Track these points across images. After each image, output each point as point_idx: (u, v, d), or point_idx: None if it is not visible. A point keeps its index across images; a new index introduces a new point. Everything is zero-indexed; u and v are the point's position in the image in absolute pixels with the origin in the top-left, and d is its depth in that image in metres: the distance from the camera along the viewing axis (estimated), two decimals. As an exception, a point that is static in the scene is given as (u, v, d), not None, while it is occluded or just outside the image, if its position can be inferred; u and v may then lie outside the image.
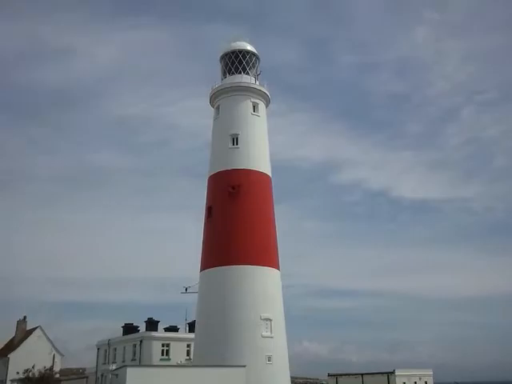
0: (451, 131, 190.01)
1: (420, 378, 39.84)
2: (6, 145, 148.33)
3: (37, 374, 42.69)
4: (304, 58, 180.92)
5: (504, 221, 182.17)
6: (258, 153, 40.49)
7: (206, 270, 37.74)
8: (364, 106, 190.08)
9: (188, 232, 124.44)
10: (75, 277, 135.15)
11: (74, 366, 67.41)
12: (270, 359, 33.88)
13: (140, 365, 38.95)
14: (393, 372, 38.36)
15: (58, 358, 58.40)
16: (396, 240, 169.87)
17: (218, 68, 44.16)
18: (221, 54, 43.65)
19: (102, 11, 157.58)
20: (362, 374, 40.07)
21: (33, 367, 42.67)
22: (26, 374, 42.31)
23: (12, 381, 44.98)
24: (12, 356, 57.45)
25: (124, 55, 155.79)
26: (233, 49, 43.06)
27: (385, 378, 38.28)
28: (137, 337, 45.06)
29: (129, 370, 30.15)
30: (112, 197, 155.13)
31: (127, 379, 28.44)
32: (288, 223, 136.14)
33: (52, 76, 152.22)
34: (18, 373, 44.34)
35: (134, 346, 44.74)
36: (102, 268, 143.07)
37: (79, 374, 60.74)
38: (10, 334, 63.12)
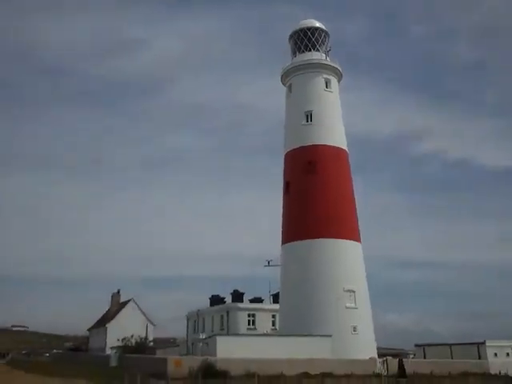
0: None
1: None
2: (90, 132, 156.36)
3: (134, 343, 46.09)
4: (372, 30, 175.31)
5: None
6: (333, 128, 41.01)
7: (288, 244, 39.16)
8: (437, 76, 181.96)
9: (267, 208, 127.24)
10: (164, 252, 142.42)
11: (163, 335, 71.80)
12: (355, 329, 35.07)
13: (229, 334, 41.02)
14: (483, 342, 37.80)
15: (150, 328, 62.61)
16: (477, 211, 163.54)
17: (287, 47, 44.66)
18: (290, 33, 44.10)
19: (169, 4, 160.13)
20: (450, 345, 39.59)
21: (131, 336, 46.11)
22: (124, 342, 45.82)
23: (112, 348, 48.91)
24: (109, 326, 62.27)
25: (192, 45, 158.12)
26: (301, 27, 43.37)
27: (475, 348, 37.73)
28: (224, 308, 47.39)
29: (218, 338, 32.35)
30: (192, 177, 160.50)
31: (217, 347, 30.51)
32: (366, 196, 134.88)
33: (128, 67, 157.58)
34: (118, 340, 48.08)
35: (222, 316, 47.16)
36: (189, 243, 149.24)
37: (170, 342, 64.85)
38: (106, 306, 68.48)
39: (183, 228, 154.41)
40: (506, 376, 32.30)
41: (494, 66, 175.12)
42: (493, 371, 34.00)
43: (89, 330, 72.97)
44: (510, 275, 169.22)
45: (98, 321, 69.80)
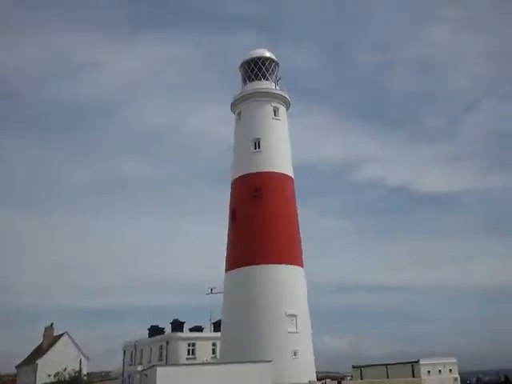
0: (471, 125, 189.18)
1: (444, 366, 39.97)
2: (35, 156, 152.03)
3: (67, 377, 43.83)
4: (320, 60, 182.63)
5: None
6: (280, 155, 41.64)
7: (232, 271, 38.78)
8: (382, 105, 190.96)
9: (211, 235, 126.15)
10: (99, 283, 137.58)
11: (98, 369, 68.49)
12: (295, 354, 34.69)
13: (169, 364, 39.72)
14: (417, 361, 38.65)
15: (84, 362, 59.59)
16: (417, 235, 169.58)
17: (238, 76, 45.62)
18: (241, 62, 45.15)
19: (123, 26, 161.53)
20: (386, 365, 40.38)
21: (64, 370, 43.88)
22: (57, 377, 43.50)
23: (44, 384, 46.26)
24: (40, 362, 58.78)
25: (144, 68, 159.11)
26: (252, 56, 44.42)
27: (409, 367, 38.51)
28: (163, 338, 46.18)
29: (158, 369, 30.81)
30: (136, 203, 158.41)
31: (157, 378, 29.23)
32: (310, 221, 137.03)
33: (79, 90, 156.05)
34: (49, 375, 45.57)
35: (161, 346, 45.82)
36: (127, 273, 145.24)
37: (103, 376, 61.84)
38: (37, 341, 64.73)
39: (120, 257, 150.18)
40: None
41: (435, 96, 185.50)
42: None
43: (17, 367, 68.40)
44: (442, 296, 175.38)
45: (27, 357, 65.70)
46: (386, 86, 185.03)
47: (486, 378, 44.30)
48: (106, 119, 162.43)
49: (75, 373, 45.98)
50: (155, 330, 49.55)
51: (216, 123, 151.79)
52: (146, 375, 32.42)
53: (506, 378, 35.63)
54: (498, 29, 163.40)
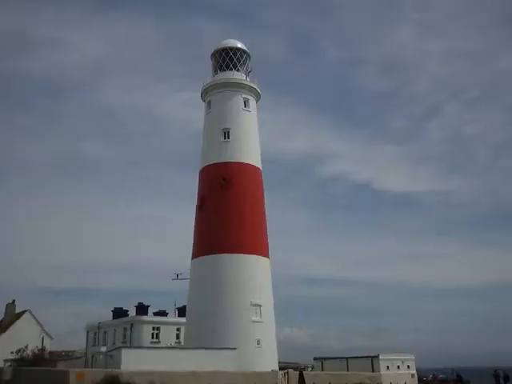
0: (434, 127, 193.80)
1: (403, 362, 41.73)
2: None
3: (30, 354, 43.94)
4: (290, 52, 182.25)
5: (483, 214, 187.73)
6: (249, 146, 42.33)
7: (198, 258, 39.59)
8: (349, 101, 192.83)
9: (176, 222, 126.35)
10: (63, 262, 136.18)
11: (60, 348, 68.62)
12: (259, 343, 36.07)
13: (134, 346, 40.43)
14: (377, 356, 40.45)
15: (46, 341, 59.71)
16: (378, 231, 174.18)
17: (207, 63, 45.59)
18: (212, 51, 45.12)
19: (86, 4, 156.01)
20: (346, 358, 42.02)
21: (26, 347, 43.97)
22: (20, 354, 43.56)
23: (6, 360, 46.15)
24: (1, 338, 58.52)
25: (110, 48, 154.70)
26: (224, 46, 44.52)
27: (369, 361, 40.24)
28: (127, 320, 46.72)
29: (123, 351, 31.82)
30: (100, 185, 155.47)
31: (122, 359, 30.06)
32: (275, 213, 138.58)
33: (39, 67, 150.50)
34: (12, 352, 45.53)
35: (125, 329, 46.44)
36: (91, 254, 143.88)
37: (66, 356, 62.12)
38: (-2, 317, 64.19)
39: (86, 237, 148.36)
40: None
41: (400, 97, 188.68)
42: (384, 383, 36.56)
43: (-24, 342, 67.83)
44: (405, 293, 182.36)
45: (-13, 333, 65.16)
46: (354, 83, 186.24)
47: (442, 376, 46.75)
48: (67, 98, 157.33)
49: (39, 350, 46.07)
50: (119, 313, 49.97)
51: (181, 108, 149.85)
52: (111, 356, 33.15)
53: (458, 376, 38.08)
54: (464, 33, 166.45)
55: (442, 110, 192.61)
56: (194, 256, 40.32)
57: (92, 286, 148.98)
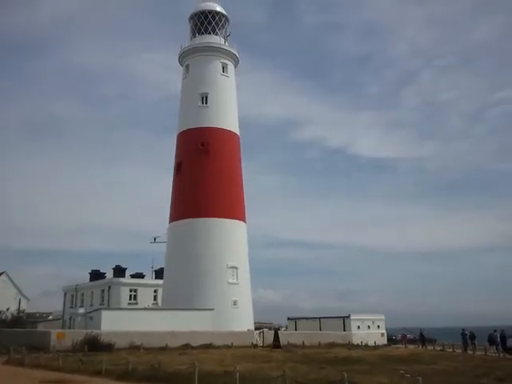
0: (409, 93, 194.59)
1: (373, 322, 43.30)
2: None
3: (10, 317, 44.23)
4: (269, 15, 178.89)
5: (455, 180, 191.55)
6: (227, 112, 42.39)
7: (176, 222, 40.09)
8: (326, 66, 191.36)
9: (154, 184, 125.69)
10: (39, 223, 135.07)
11: (35, 310, 68.94)
12: (235, 303, 37.17)
13: (113, 308, 41.00)
14: (348, 316, 41.92)
15: (23, 302, 59.84)
16: (352, 196, 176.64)
17: (185, 26, 44.91)
18: (190, 13, 44.35)
19: None
20: (319, 318, 43.48)
21: (7, 310, 44.21)
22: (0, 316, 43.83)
23: (-16, 323, 46.36)
24: (-23, 300, 58.44)
25: (84, 5, 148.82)
26: (202, 9, 43.82)
27: (340, 321, 41.75)
28: (105, 282, 47.10)
29: (103, 312, 32.59)
30: (75, 147, 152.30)
31: (102, 321, 30.82)
32: (251, 177, 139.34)
33: (10, 23, 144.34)
34: (-12, 314, 45.72)
35: (103, 291, 46.86)
36: (67, 215, 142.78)
37: (43, 317, 62.57)
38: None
39: (62, 199, 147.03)
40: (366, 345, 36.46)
41: (376, 62, 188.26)
42: (355, 342, 38.17)
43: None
44: (377, 255, 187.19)
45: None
46: (331, 48, 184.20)
47: (409, 336, 48.64)
48: (38, 57, 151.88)
49: (18, 313, 46.39)
50: (96, 275, 50.33)
51: (157, 68, 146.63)
52: (90, 318, 33.82)
53: (421, 335, 39.88)
54: (443, 1, 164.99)
55: (418, 76, 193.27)
56: (172, 219, 40.75)
57: (66, 248, 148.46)
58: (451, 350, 34.36)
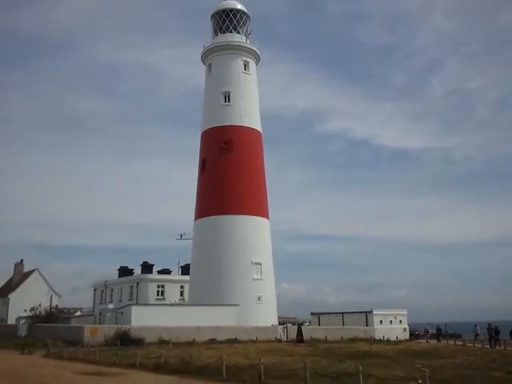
0: (434, 82, 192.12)
1: (395, 317, 43.74)
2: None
3: (43, 312, 45.83)
4: (291, 6, 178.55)
5: (481, 171, 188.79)
6: (249, 110, 43.12)
7: (201, 219, 41.09)
8: (350, 57, 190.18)
9: (177, 179, 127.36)
10: (68, 221, 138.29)
11: (66, 305, 71.00)
12: (259, 299, 38.04)
13: (143, 303, 42.23)
14: (371, 311, 42.50)
15: (54, 299, 61.79)
16: (377, 188, 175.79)
17: (208, 24, 45.73)
18: (211, 12, 45.18)
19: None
20: (342, 313, 44.15)
21: (39, 305, 45.87)
22: (33, 312, 45.47)
23: (20, 318, 48.19)
24: (12, 296, 60.71)
25: (108, 2, 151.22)
26: (224, 7, 44.58)
27: (363, 316, 42.29)
28: (134, 278, 48.52)
29: (133, 308, 33.75)
30: (101, 143, 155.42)
31: (132, 316, 32.00)
32: (273, 171, 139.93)
33: (34, 21, 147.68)
34: (25, 310, 47.52)
35: (131, 287, 48.28)
36: (95, 212, 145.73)
37: (70, 313, 64.46)
38: (7, 275, 66.32)
39: (90, 196, 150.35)
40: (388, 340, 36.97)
41: (401, 52, 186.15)
42: (377, 337, 38.68)
43: (-13, 300, 70.27)
44: (400, 249, 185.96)
45: (-3, 291, 67.50)
46: (355, 38, 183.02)
47: (431, 331, 48.72)
48: (63, 54, 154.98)
49: (51, 309, 48.04)
50: (125, 271, 51.85)
51: (180, 64, 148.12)
52: (121, 313, 35.04)
53: (438, 329, 39.94)
54: None
55: (444, 64, 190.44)
56: (197, 217, 41.74)
57: (92, 245, 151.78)
58: (471, 344, 34.52)
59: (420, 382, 10.41)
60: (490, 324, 34.93)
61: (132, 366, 16.85)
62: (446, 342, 38.74)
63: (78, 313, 60.24)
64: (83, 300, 61.32)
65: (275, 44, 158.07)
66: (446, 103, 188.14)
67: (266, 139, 44.73)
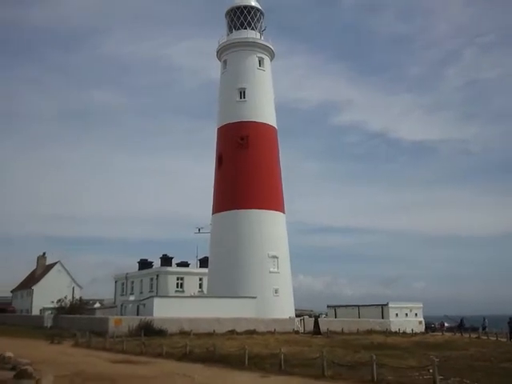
0: (451, 73, 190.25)
1: (411, 310, 44.15)
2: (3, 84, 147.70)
3: (68, 304, 47.20)
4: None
5: (500, 162, 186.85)
6: (265, 106, 43.82)
7: (219, 213, 42.03)
8: (365, 48, 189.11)
9: (193, 172, 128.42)
10: (86, 214, 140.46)
11: (87, 297, 72.61)
12: (276, 292, 38.90)
13: (164, 295, 43.33)
14: (386, 304, 43.02)
15: (76, 290, 63.46)
16: (393, 180, 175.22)
17: (222, 17, 46.37)
18: (226, 9, 45.85)
19: None
20: (358, 306, 44.80)
21: (65, 297, 47.28)
22: (59, 303, 46.83)
23: (45, 309, 49.60)
24: (35, 288, 62.49)
25: None
26: (238, 4, 45.21)
27: (379, 309, 42.86)
28: (154, 271, 49.75)
29: (155, 299, 34.82)
30: (117, 136, 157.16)
31: (154, 308, 33.05)
32: (290, 164, 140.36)
33: (46, 14, 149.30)
34: (52, 302, 48.93)
35: (151, 279, 49.52)
36: (114, 204, 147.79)
37: (90, 304, 65.91)
38: (27, 270, 68.26)
39: (111, 189, 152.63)
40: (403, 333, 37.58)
41: (417, 42, 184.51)
42: (393, 329, 39.32)
43: (12, 291, 72.37)
44: (417, 242, 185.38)
45: (21, 283, 69.49)
46: (370, 29, 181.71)
47: (447, 324, 49.03)
48: (75, 48, 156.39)
49: (76, 301, 49.33)
50: (144, 264, 53.14)
51: (195, 57, 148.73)
52: (143, 305, 36.04)
53: (461, 321, 40.03)
54: None
55: (461, 55, 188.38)
56: (215, 211, 42.68)
57: (112, 237, 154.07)
58: (485, 337, 34.91)
59: (431, 371, 11.12)
60: (510, 318, 35.11)
61: (159, 355, 17.86)
62: (460, 334, 39.21)
63: (98, 304, 61.69)
64: (102, 291, 62.71)
65: (290, 36, 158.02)
66: (463, 94, 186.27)
67: (281, 132, 45.39)
